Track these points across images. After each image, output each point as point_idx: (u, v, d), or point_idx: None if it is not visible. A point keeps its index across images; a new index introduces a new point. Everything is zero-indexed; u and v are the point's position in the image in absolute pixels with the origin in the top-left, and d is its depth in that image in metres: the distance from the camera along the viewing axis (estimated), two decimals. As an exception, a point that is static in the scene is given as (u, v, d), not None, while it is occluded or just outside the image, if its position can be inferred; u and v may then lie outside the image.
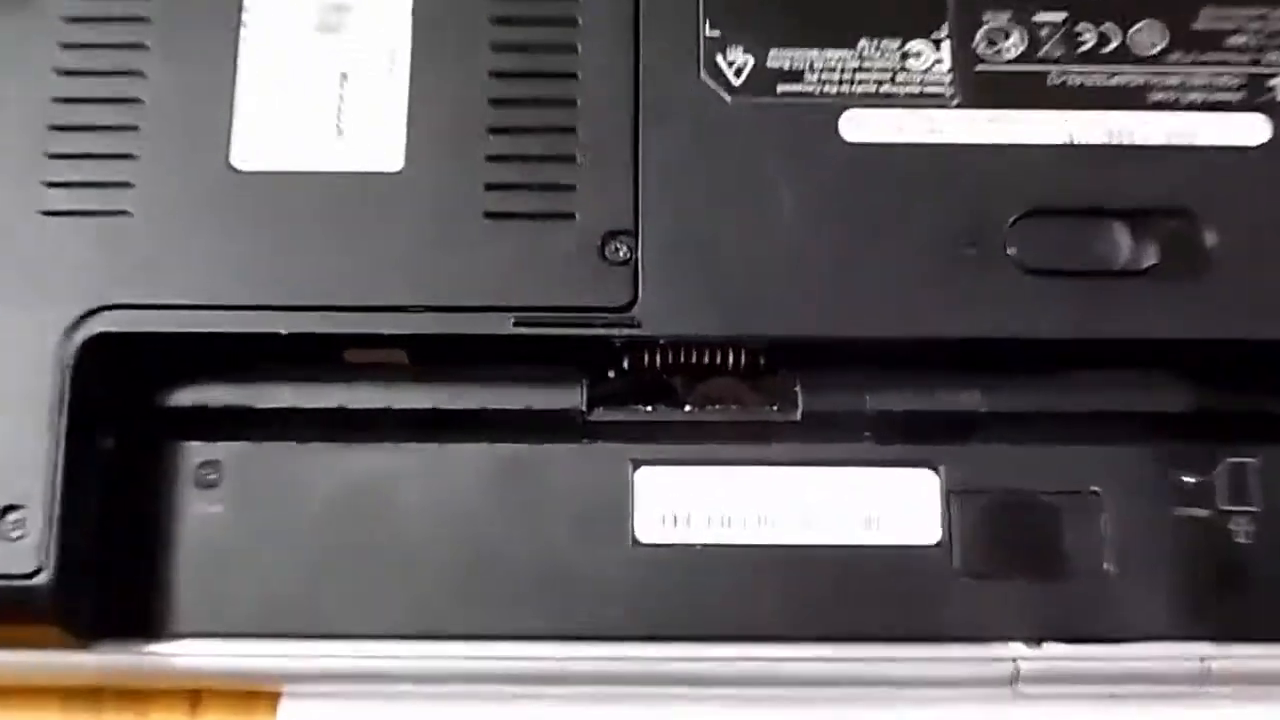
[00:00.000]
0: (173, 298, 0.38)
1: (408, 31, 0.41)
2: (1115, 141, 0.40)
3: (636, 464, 0.39)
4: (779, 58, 0.41)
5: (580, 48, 0.40)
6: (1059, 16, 0.41)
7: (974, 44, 0.41)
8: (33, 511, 0.36)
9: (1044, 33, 0.41)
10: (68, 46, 0.40)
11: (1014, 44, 0.41)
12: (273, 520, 0.39)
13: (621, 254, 0.39)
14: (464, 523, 0.39)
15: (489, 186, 0.39)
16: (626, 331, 0.38)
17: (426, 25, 0.41)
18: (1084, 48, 0.41)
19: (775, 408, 0.40)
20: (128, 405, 0.39)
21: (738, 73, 0.40)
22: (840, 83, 0.41)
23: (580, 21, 0.41)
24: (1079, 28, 0.41)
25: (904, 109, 0.40)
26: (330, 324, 0.38)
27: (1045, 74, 0.41)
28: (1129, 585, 0.39)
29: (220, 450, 0.39)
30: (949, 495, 0.39)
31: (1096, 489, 0.39)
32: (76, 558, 0.37)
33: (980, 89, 0.41)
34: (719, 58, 0.41)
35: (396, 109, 0.40)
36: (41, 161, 0.39)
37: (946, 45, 0.41)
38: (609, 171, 0.39)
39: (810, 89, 0.40)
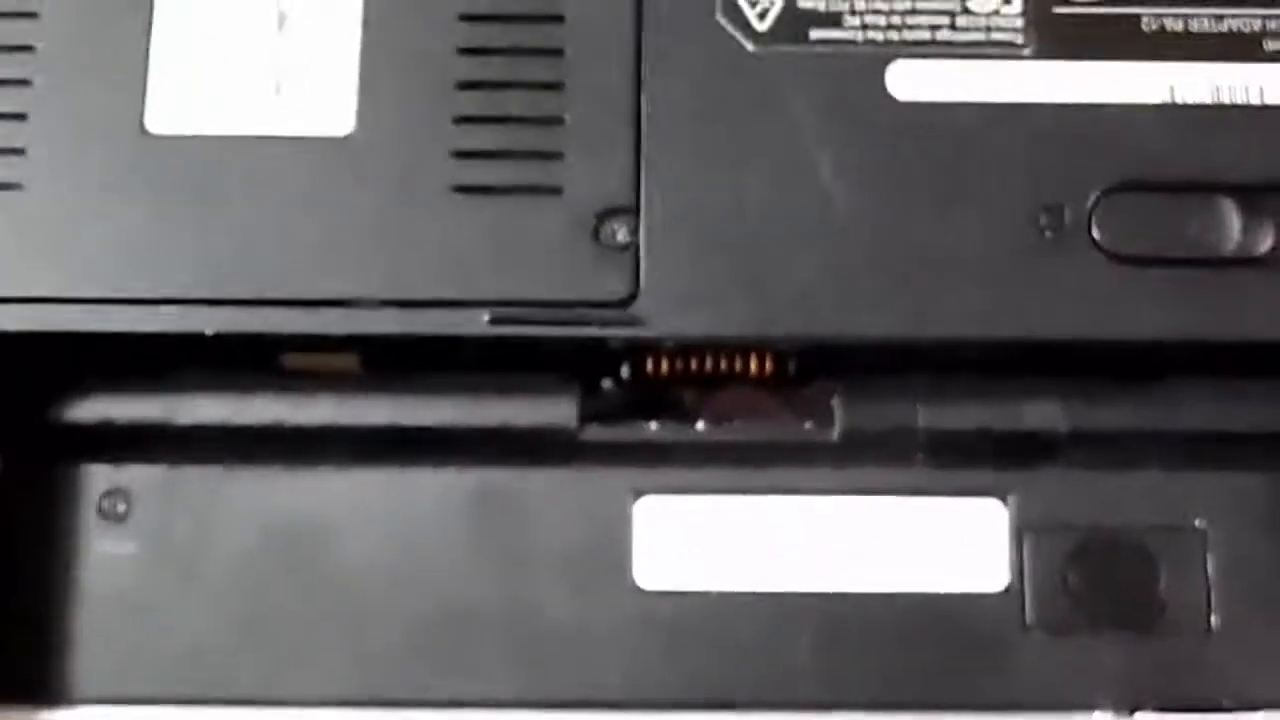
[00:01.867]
0: (73, 290, 0.36)
1: (359, -36, 0.39)
2: (1224, 100, 0.38)
3: (638, 493, 0.37)
4: (813, -5, 0.39)
5: (569, -16, 0.39)
6: (1155, -55, 0.40)
7: (1052, -21, 0.39)
8: (-98, 549, 0.35)
9: (1136, -35, 0.39)
10: (-57, -15, 0.39)
11: (1100, -20, 0.39)
12: (194, 562, 0.37)
13: (619, 237, 0.36)
14: (428, 565, 0.37)
15: (458, 154, 0.37)
16: (625, 331, 0.36)
17: (383, -43, 0.39)
18: (1186, -15, 0.39)
19: (808, 425, 0.37)
20: (18, 421, 0.37)
21: (762, 15, 0.38)
22: (888, 28, 0.38)
23: (569, -49, 0.39)
24: (1180, -38, 0.39)
25: (965, 60, 0.38)
26: (266, 322, 0.36)
27: (1138, 17, 0.38)
28: (1238, 641, 0.36)
29: (130, 476, 0.37)
30: (1020, 532, 0.37)
31: (1201, 524, 0.37)
32: (-45, 606, 0.36)
33: (1059, 36, 0.38)
34: (740, -5, 0.39)
35: (345, 59, 0.38)
36: (-88, 124, 0.38)
37: (1018, -19, 0.39)
38: (604, 136, 0.37)
39: (851, 36, 0.38)
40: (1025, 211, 0.36)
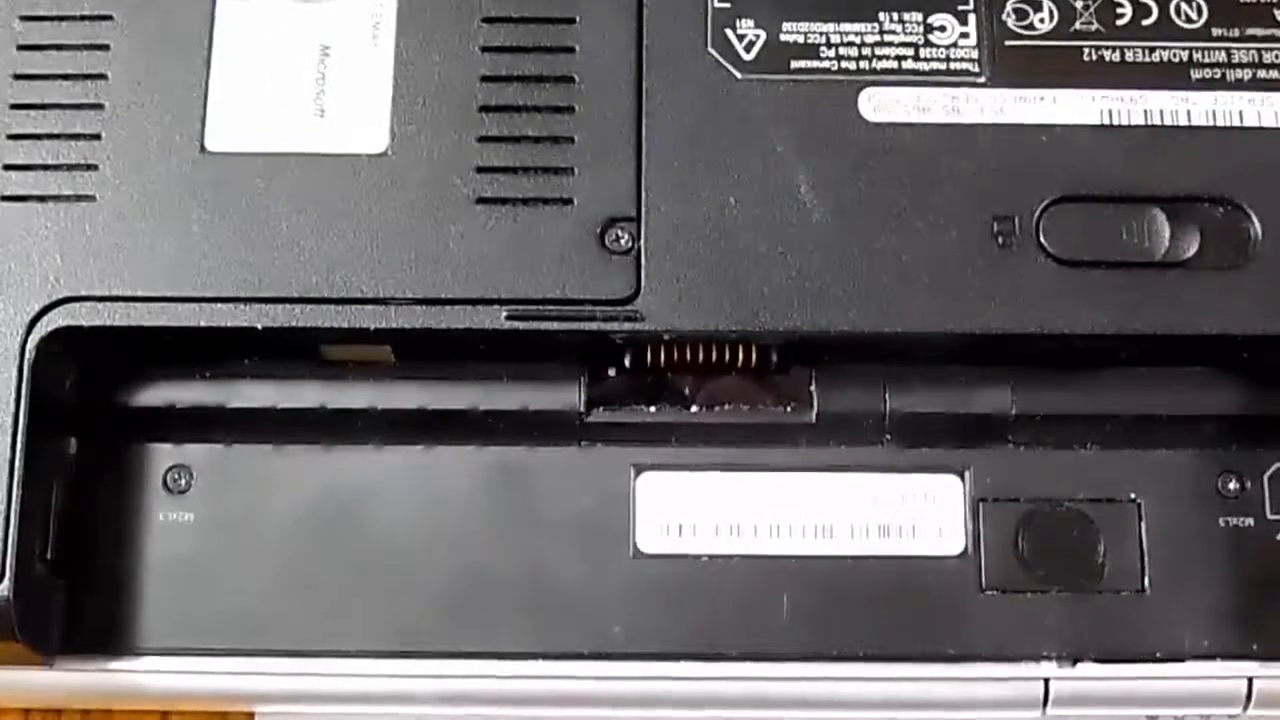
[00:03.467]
0: (140, 289, 0.37)
1: (393, 1, 0.40)
2: (1154, 122, 0.39)
3: (639, 469, 0.38)
4: (793, 31, 0.39)
5: (579, 20, 0.39)
6: (1094, -14, 0.40)
7: (1003, 16, 0.40)
8: (-10, 519, 0.35)
9: (1078, 4, 0.40)
10: (27, 19, 0.39)
11: (1046, 16, 0.40)
12: (247, 529, 0.38)
13: (623, 242, 0.38)
14: (452, 532, 0.38)
15: (480, 169, 0.38)
16: (627, 326, 0.37)
17: (414, -5, 0.39)
18: (1121, 20, 0.40)
19: (788, 408, 0.39)
20: (92, 405, 0.38)
21: (748, 47, 0.39)
22: (859, 59, 0.39)
23: (579, -8, 0.39)
24: (1116, -1, 0.40)
25: (927, 87, 0.39)
26: (309, 318, 0.37)
27: (1079, 49, 0.39)
28: (1169, 600, 0.38)
29: (190, 454, 0.38)
30: (975, 503, 0.38)
31: (1135, 496, 0.38)
32: (38, 568, 0.36)
33: (1009, 65, 0.39)
34: (728, 31, 0.39)
35: (380, 85, 0.39)
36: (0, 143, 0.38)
37: (973, 18, 0.40)
38: (609, 154, 0.38)
39: (826, 65, 0.39)
40: (981, 220, 0.37)
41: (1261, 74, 0.39)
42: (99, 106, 0.38)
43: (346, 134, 0.39)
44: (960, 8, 0.40)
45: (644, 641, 0.37)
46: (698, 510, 0.38)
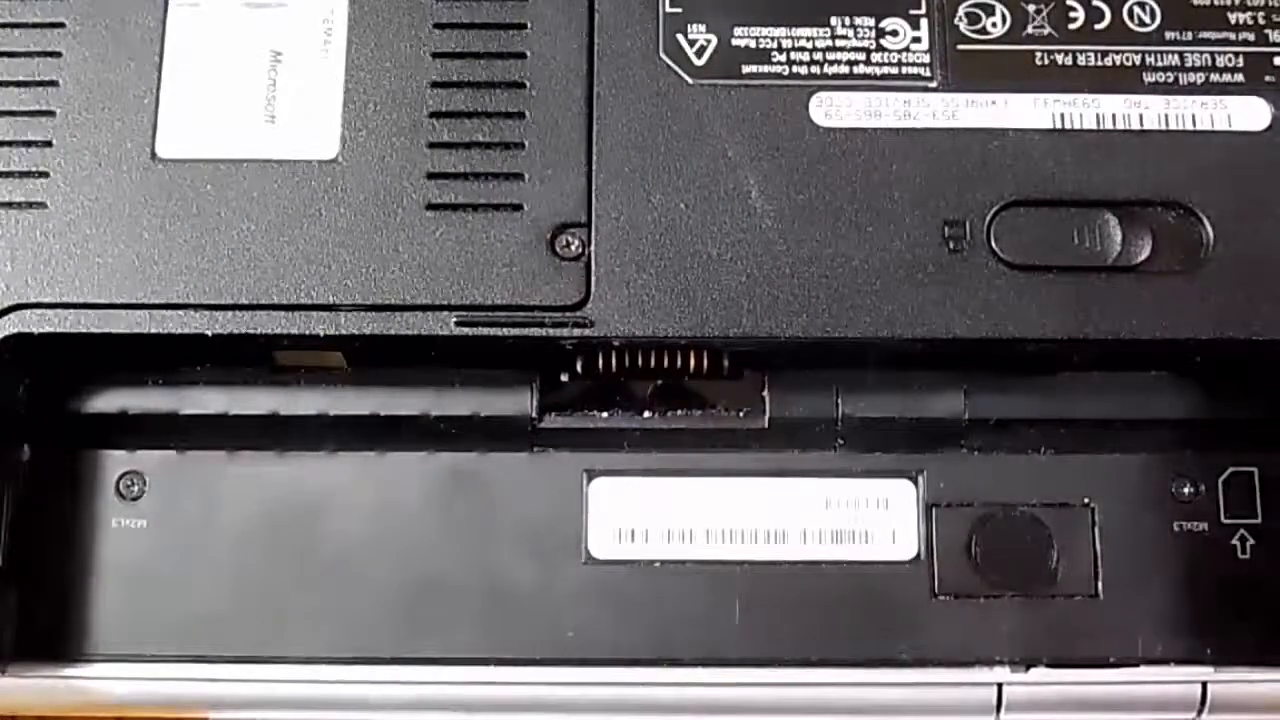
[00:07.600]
0: (92, 296, 0.37)
1: (344, 7, 0.40)
2: (1106, 126, 0.39)
3: (591, 474, 0.38)
4: (744, 36, 0.39)
5: (530, 26, 0.39)
6: (1047, -10, 0.40)
7: (955, 20, 0.40)
8: (-61, 526, 0.35)
9: (1031, 8, 0.40)
10: (-25, 25, 0.39)
11: (998, 20, 0.40)
12: (200, 535, 0.38)
13: (573, 248, 0.37)
14: (405, 537, 0.38)
15: (431, 175, 0.38)
16: (577, 332, 0.37)
17: (365, 1, 0.40)
18: (1074, 24, 0.39)
19: (741, 413, 0.39)
20: (45, 412, 0.38)
21: (700, 52, 0.39)
22: (811, 63, 0.39)
23: (530, -3, 0.39)
24: (1069, 2, 0.40)
25: (879, 91, 0.39)
26: (260, 324, 0.37)
27: (1032, 53, 0.39)
28: (1123, 604, 0.38)
29: (143, 460, 0.38)
30: (928, 508, 0.38)
31: (1088, 501, 0.38)
32: (-12, 574, 0.37)
33: (961, 69, 0.39)
34: (680, 36, 0.39)
35: (331, 91, 0.39)
36: (-53, 150, 0.38)
37: (925, 22, 0.39)
38: (560, 160, 0.38)
39: (778, 70, 0.39)
40: (932, 225, 0.37)
41: (1214, 78, 0.39)
42: (50, 113, 0.38)
43: (297, 140, 0.38)
44: (912, 12, 0.39)
45: (596, 647, 0.37)
46: (650, 515, 0.38)
